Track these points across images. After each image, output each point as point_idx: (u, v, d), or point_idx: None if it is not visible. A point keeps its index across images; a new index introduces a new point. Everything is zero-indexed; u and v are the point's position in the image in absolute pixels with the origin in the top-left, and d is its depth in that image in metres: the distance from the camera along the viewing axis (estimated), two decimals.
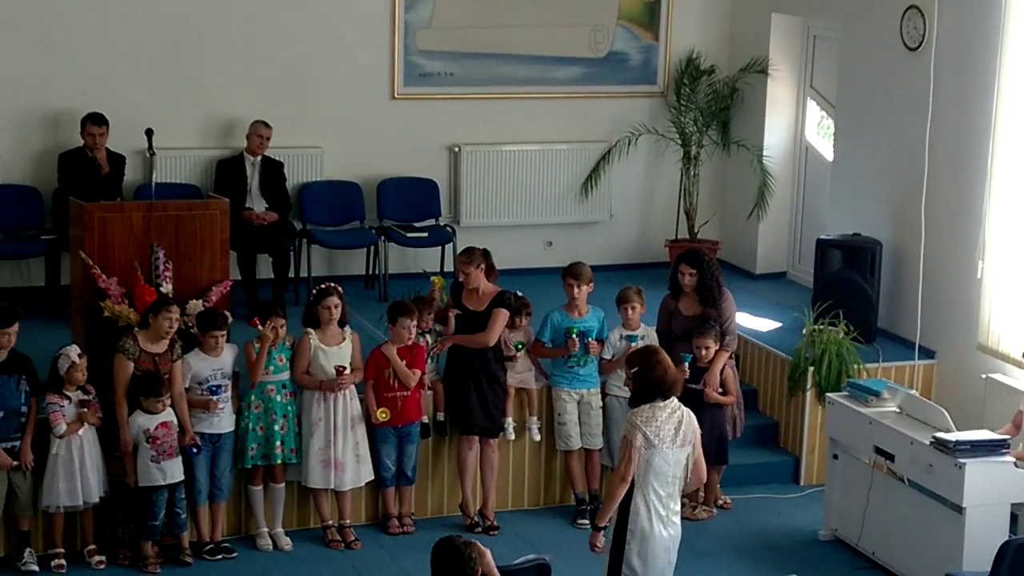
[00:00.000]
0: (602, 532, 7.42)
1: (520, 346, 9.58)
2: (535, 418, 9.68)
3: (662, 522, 7.35)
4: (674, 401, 7.39)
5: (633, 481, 7.30)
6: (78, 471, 8.52)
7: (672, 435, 7.33)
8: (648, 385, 7.37)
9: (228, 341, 9.00)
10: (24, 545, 8.65)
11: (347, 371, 9.01)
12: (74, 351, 8.56)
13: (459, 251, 9.61)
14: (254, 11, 11.99)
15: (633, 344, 9.54)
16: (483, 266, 9.41)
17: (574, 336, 9.48)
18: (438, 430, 9.53)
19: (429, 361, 9.42)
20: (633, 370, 7.51)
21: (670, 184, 13.24)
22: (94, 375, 8.73)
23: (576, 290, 9.58)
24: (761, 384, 10.74)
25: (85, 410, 8.54)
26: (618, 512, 7.36)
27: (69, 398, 8.53)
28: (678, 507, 7.44)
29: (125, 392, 8.60)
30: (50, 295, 11.18)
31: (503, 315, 9.38)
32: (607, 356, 9.67)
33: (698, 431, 7.47)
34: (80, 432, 8.52)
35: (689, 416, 7.43)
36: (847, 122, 11.90)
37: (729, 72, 13.15)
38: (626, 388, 9.60)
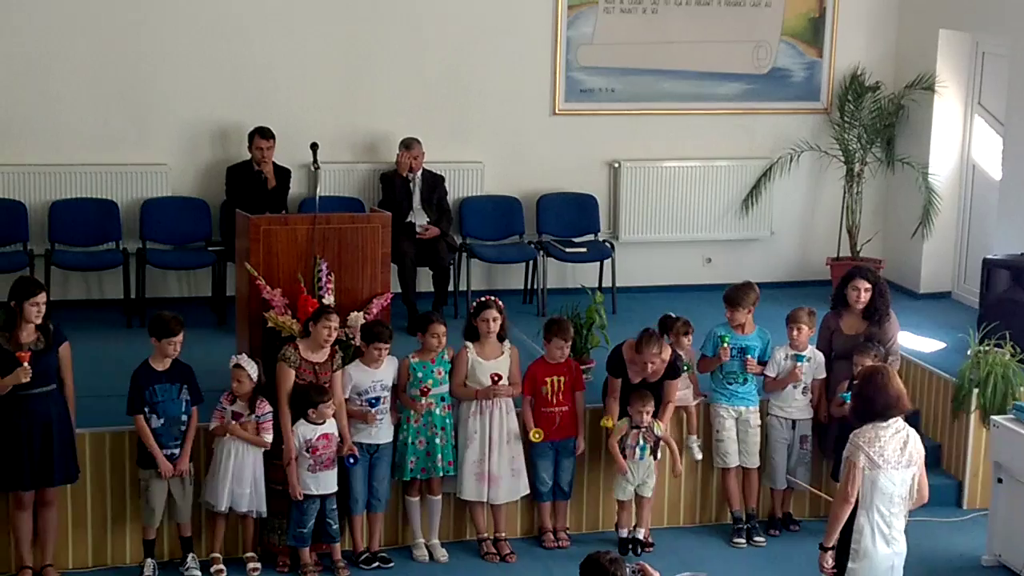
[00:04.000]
0: (829, 553, 7.37)
1: (686, 367, 9.52)
2: (695, 436, 9.62)
3: (885, 540, 7.31)
4: (899, 421, 7.31)
5: (857, 501, 7.27)
6: (230, 477, 8.64)
7: (897, 455, 7.25)
8: (863, 401, 7.33)
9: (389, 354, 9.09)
10: (187, 550, 8.83)
11: (501, 379, 9.04)
12: (234, 359, 8.74)
13: (645, 341, 9.06)
14: (419, 28, 12.12)
15: (800, 364, 9.45)
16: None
17: (726, 344, 9.40)
18: None
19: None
20: (855, 382, 7.47)
21: (832, 201, 13.09)
22: (260, 384, 8.88)
23: (729, 313, 9.51)
24: (924, 406, 10.54)
25: (233, 423, 8.66)
26: (841, 531, 7.34)
27: (234, 402, 8.68)
28: (903, 525, 7.38)
29: (288, 400, 8.71)
30: (216, 305, 11.43)
31: (676, 387, 9.31)
32: (771, 374, 9.57)
33: (923, 452, 7.40)
34: (244, 446, 8.65)
35: (915, 436, 7.36)
36: (1016, 140, 11.65)
37: (894, 89, 12.97)
38: (785, 410, 9.60)
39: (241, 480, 8.68)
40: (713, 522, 9.85)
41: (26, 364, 8.13)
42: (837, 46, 13.05)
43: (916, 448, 7.35)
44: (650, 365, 9.08)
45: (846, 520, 7.30)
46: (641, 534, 9.36)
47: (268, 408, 8.69)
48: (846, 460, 7.31)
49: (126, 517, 8.88)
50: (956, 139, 12.81)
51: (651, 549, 9.40)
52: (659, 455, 9.43)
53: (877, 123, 12.84)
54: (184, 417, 8.63)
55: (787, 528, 9.75)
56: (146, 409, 8.53)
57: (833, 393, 9.53)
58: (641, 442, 9.17)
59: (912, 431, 7.38)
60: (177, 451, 8.61)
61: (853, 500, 7.27)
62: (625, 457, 9.18)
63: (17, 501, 8.45)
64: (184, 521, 8.77)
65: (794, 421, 9.61)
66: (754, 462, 9.61)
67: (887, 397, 7.26)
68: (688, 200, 12.85)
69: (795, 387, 9.56)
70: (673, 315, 9.55)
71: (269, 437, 8.70)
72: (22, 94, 11.46)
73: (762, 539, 9.58)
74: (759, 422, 9.60)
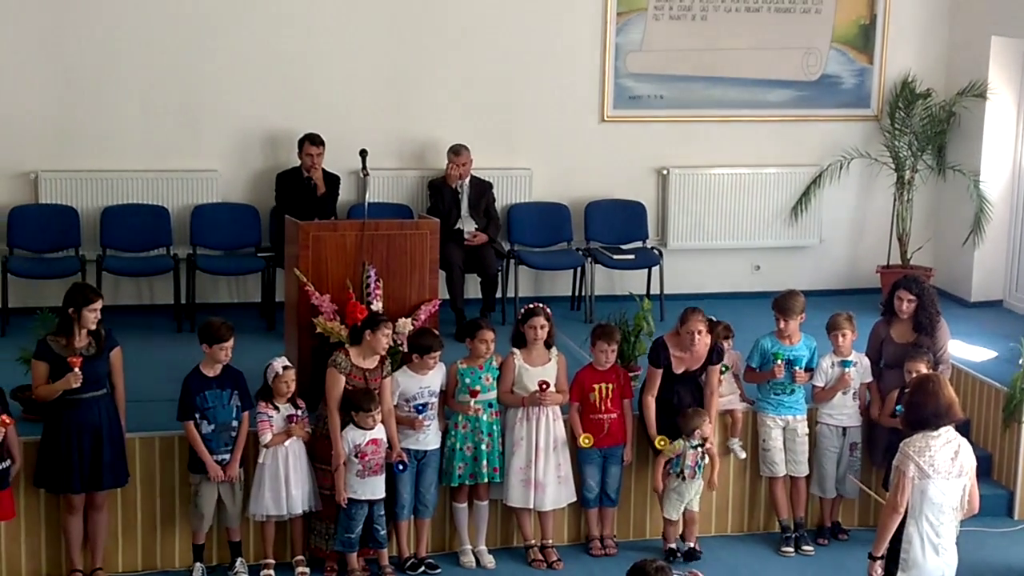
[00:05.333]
0: (878, 562, 7.32)
1: (725, 369, 9.50)
2: (737, 439, 9.58)
3: (935, 550, 7.24)
4: (950, 431, 7.25)
5: (907, 510, 7.22)
6: (283, 482, 8.67)
7: (948, 465, 7.19)
8: (913, 409, 7.28)
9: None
10: (236, 555, 8.87)
11: (549, 387, 9.04)
12: (279, 363, 8.74)
13: (690, 312, 9.18)
14: (468, 35, 12.14)
15: (847, 370, 9.40)
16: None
17: (780, 362, 9.37)
18: None
19: None
20: (905, 390, 7.42)
21: (882, 209, 13.02)
22: (309, 389, 8.92)
23: (783, 323, 9.47)
24: (975, 415, 10.45)
25: (293, 424, 8.72)
26: (890, 540, 7.29)
27: (278, 409, 8.72)
28: (953, 535, 7.31)
29: (338, 406, 8.73)
30: (265, 311, 11.48)
31: (718, 373, 9.31)
32: (819, 383, 9.53)
33: (974, 462, 7.33)
34: (287, 444, 8.70)
35: (966, 446, 7.30)
36: None
37: (946, 95, 12.89)
38: (835, 417, 9.54)
39: (298, 481, 8.72)
40: (761, 530, 9.81)
41: (77, 369, 8.20)
42: (888, 53, 12.98)
43: (967, 458, 7.28)
44: (696, 336, 9.05)
45: (895, 529, 7.26)
46: (688, 547, 9.34)
47: (303, 404, 8.81)
48: (895, 469, 7.26)
49: (175, 521, 8.92)
50: (1008, 146, 12.72)
51: (698, 558, 9.36)
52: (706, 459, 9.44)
53: (928, 130, 12.76)
54: (234, 423, 8.67)
55: (836, 537, 9.70)
56: (196, 415, 8.58)
57: (883, 401, 9.47)
58: (699, 461, 9.15)
59: (964, 441, 7.31)
60: (227, 457, 8.65)
61: (902, 510, 7.21)
62: (684, 478, 9.15)
63: (68, 504, 8.52)
64: (233, 526, 8.81)
65: (844, 428, 9.56)
66: (802, 471, 9.56)
67: (938, 405, 7.20)
68: (737, 207, 12.81)
69: (845, 393, 9.51)
70: (714, 319, 9.52)
71: (310, 429, 8.80)
72: (75, 101, 11.56)
73: (810, 548, 9.53)
74: (807, 430, 9.55)
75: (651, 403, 9.23)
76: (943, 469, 7.18)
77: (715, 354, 9.24)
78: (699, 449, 9.10)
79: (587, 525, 9.45)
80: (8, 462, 8.26)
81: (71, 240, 11.47)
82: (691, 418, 9.09)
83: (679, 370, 9.22)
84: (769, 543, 9.64)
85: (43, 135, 11.55)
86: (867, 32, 12.98)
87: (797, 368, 9.44)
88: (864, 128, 13.02)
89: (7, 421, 8.12)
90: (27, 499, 8.59)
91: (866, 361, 9.60)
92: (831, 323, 9.52)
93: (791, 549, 9.50)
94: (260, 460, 8.70)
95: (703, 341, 9.15)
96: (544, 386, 9.01)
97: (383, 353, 8.79)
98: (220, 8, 11.70)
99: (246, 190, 11.93)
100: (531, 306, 9.26)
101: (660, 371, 9.23)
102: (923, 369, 9.16)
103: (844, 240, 13.18)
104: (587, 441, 9.15)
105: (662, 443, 9.13)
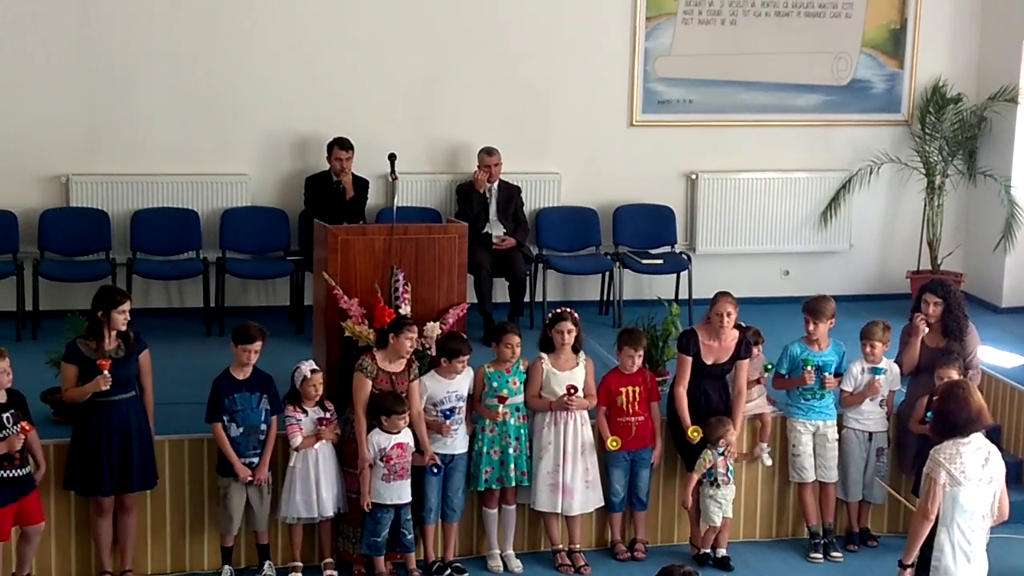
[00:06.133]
0: (909, 570, 7.30)
1: (770, 367, 9.48)
2: (764, 444, 9.56)
3: (966, 557, 7.22)
4: (980, 437, 7.23)
5: (937, 518, 7.19)
6: (313, 485, 8.69)
7: (978, 472, 7.18)
8: (943, 416, 7.25)
9: None
10: (264, 558, 8.88)
11: (576, 391, 9.03)
12: (307, 366, 8.75)
13: (720, 294, 9.26)
14: (497, 40, 12.15)
15: (878, 376, 9.37)
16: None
17: (809, 368, 9.34)
18: None
19: None
20: (934, 398, 7.47)
21: (912, 214, 12.98)
22: (337, 393, 8.94)
23: (812, 326, 9.44)
24: (1005, 421, 10.40)
25: (323, 427, 8.74)
26: (921, 548, 7.27)
27: (306, 412, 8.74)
28: (984, 543, 7.29)
29: (364, 410, 8.74)
30: (294, 315, 11.50)
31: (746, 368, 9.30)
32: (848, 389, 9.49)
33: (1004, 468, 7.31)
34: (316, 447, 8.71)
35: (996, 453, 7.28)
36: None
37: (977, 100, 12.84)
38: (861, 422, 9.51)
39: (328, 484, 8.74)
40: (790, 536, 9.78)
41: (106, 372, 8.23)
42: (918, 57, 12.94)
43: (997, 465, 7.25)
44: (725, 318, 9.08)
45: (926, 537, 7.22)
46: (720, 553, 9.32)
47: (331, 406, 8.84)
48: (926, 476, 7.23)
49: (204, 524, 8.95)
50: None
51: (731, 568, 9.33)
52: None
53: (959, 135, 12.71)
54: (263, 426, 8.68)
55: (865, 544, 9.66)
56: (225, 417, 8.59)
57: (911, 406, 9.43)
58: (731, 466, 9.14)
59: (993, 448, 7.29)
60: (256, 460, 8.66)
61: (933, 517, 7.18)
62: (718, 485, 9.14)
63: (97, 507, 8.55)
64: (261, 529, 8.83)
65: (870, 433, 9.53)
66: (832, 476, 9.52)
67: (968, 412, 7.18)
68: (766, 212, 12.78)
69: (872, 399, 9.48)
70: (743, 324, 9.50)
71: (339, 431, 8.82)
72: (106, 105, 11.60)
73: (839, 554, 9.49)
74: (836, 436, 9.52)
75: (682, 393, 9.21)
76: (974, 476, 7.16)
77: (743, 347, 9.23)
78: (726, 457, 9.09)
79: (612, 529, 9.44)
80: (31, 467, 8.28)
81: (102, 243, 11.52)
82: (715, 428, 9.09)
83: (708, 360, 9.21)
84: (798, 549, 9.61)
85: (74, 139, 11.61)
86: (897, 36, 12.94)
87: (827, 374, 9.41)
88: (894, 133, 12.98)
89: (27, 428, 8.14)
90: (57, 502, 8.63)
91: (896, 369, 9.56)
92: (865, 331, 9.47)
93: (820, 555, 9.47)
94: (291, 463, 8.72)
95: (731, 329, 9.14)
96: (572, 390, 9.00)
97: (407, 356, 8.80)
98: (249, 13, 11.74)
99: (275, 194, 11.97)
100: (559, 310, 9.26)
101: (690, 360, 9.20)
102: (954, 375, 9.11)
103: (874, 245, 13.14)
104: (615, 444, 9.14)
105: (695, 433, 9.10)
